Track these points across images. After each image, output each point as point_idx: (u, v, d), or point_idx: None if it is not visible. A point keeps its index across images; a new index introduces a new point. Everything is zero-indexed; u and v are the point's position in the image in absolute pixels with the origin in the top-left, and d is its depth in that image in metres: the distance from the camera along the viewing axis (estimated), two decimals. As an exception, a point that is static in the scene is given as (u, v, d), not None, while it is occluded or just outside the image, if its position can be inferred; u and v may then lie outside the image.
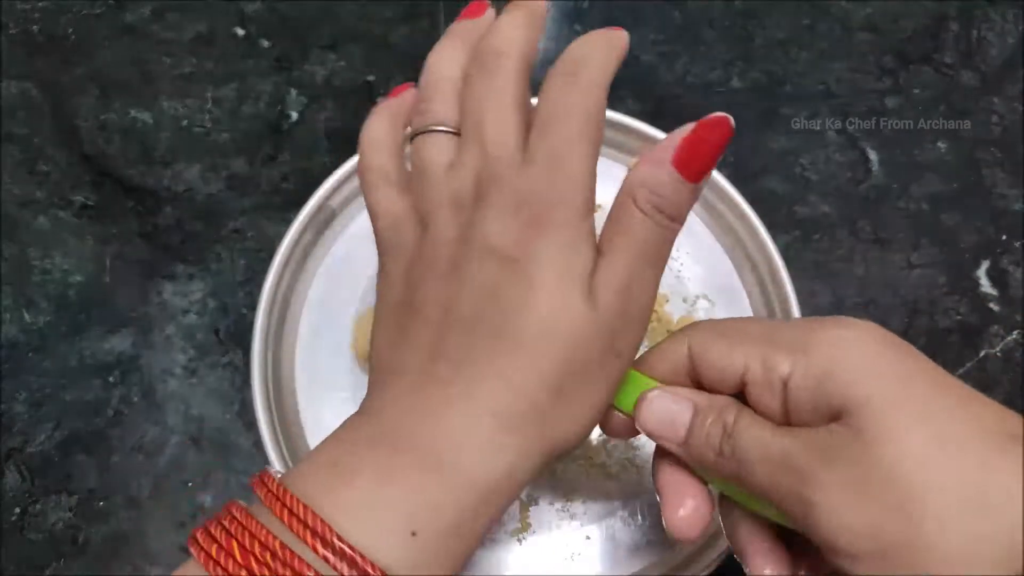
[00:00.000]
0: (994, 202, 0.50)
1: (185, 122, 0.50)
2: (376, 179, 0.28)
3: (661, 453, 0.28)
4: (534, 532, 0.40)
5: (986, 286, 0.48)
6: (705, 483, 0.27)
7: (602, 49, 0.26)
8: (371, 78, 0.52)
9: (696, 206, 0.46)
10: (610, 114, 0.45)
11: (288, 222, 0.43)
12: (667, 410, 0.27)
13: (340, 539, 0.21)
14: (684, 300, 0.44)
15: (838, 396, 0.23)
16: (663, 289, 0.44)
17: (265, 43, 0.53)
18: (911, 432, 0.22)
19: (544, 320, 0.24)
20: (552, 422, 0.25)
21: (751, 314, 0.44)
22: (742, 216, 0.44)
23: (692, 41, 0.54)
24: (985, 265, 0.48)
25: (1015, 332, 0.47)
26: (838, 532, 0.22)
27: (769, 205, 0.49)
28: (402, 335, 0.26)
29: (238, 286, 0.46)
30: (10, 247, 0.46)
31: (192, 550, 0.23)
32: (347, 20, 0.53)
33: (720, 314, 0.44)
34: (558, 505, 0.40)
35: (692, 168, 0.24)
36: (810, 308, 0.46)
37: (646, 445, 0.41)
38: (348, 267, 0.45)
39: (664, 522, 0.27)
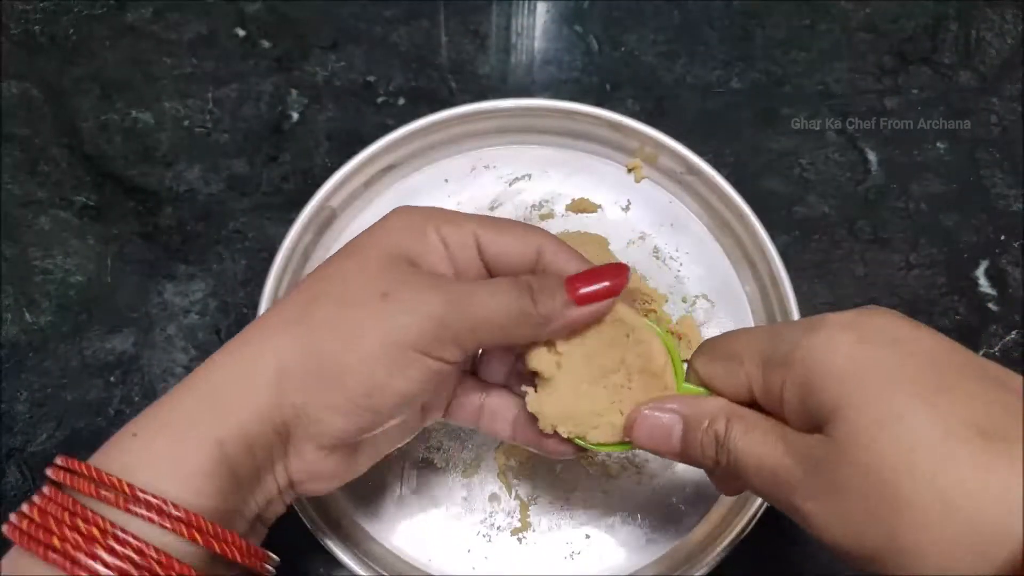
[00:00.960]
0: (993, 202, 0.50)
1: (186, 122, 0.50)
2: None
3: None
4: (534, 531, 0.40)
5: (985, 286, 0.48)
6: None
7: None
8: (371, 78, 0.52)
9: (695, 206, 0.46)
10: (607, 114, 0.45)
11: (289, 222, 0.43)
12: (656, 425, 0.28)
13: (141, 491, 0.23)
14: (683, 300, 0.45)
15: (816, 407, 0.23)
16: (662, 289, 0.44)
17: (266, 43, 0.53)
18: (881, 439, 0.22)
19: None
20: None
21: (750, 313, 0.45)
22: (741, 216, 0.44)
23: (692, 41, 0.54)
24: (984, 265, 0.48)
25: (1014, 332, 0.47)
26: (829, 538, 0.23)
27: (769, 205, 0.49)
28: None
29: (239, 286, 0.46)
30: (11, 247, 0.47)
31: (8, 533, 0.24)
32: (347, 20, 0.53)
33: (720, 314, 0.44)
34: (558, 504, 0.40)
35: (576, 288, 0.27)
36: (810, 308, 0.46)
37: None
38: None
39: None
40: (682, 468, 0.41)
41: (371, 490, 0.40)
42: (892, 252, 0.48)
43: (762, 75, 0.53)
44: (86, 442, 0.43)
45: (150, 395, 0.43)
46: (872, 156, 0.51)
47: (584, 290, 0.27)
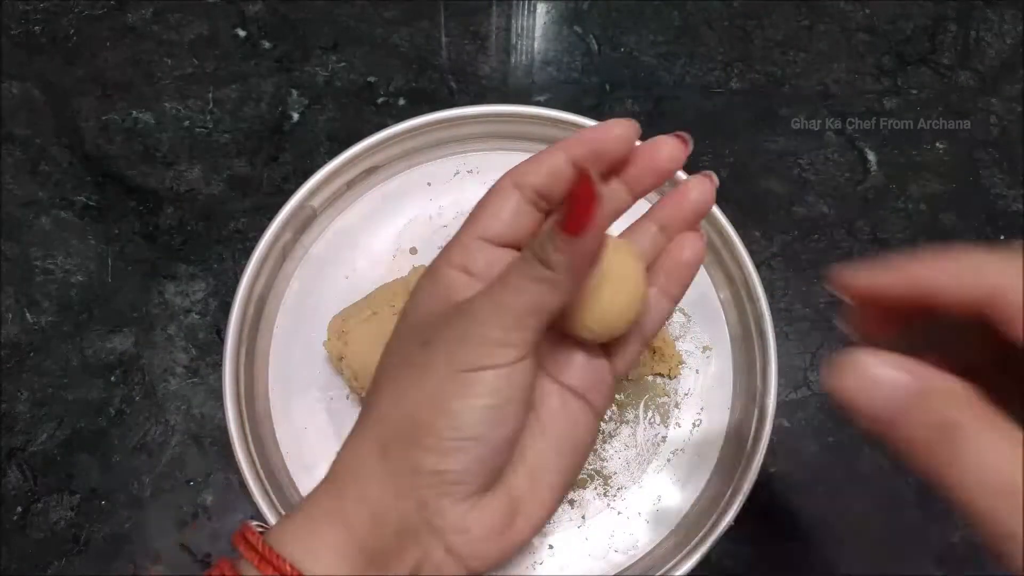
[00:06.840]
0: (992, 202, 0.50)
1: (187, 123, 0.50)
2: None
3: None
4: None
5: (984, 286, 0.48)
6: None
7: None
8: (372, 79, 0.52)
9: None
10: (592, 123, 0.45)
11: (289, 222, 0.43)
12: (876, 382, 0.21)
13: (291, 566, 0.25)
14: None
15: None
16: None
17: (266, 44, 0.53)
18: None
19: None
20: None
21: (726, 327, 0.44)
22: (721, 231, 0.44)
23: (691, 42, 0.54)
24: (983, 265, 0.48)
25: (1013, 332, 0.47)
26: None
27: (768, 205, 0.49)
28: None
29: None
30: (12, 247, 0.47)
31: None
32: (348, 21, 0.53)
33: (695, 328, 0.44)
34: None
35: (565, 219, 0.24)
36: (809, 309, 0.46)
37: (611, 459, 0.42)
38: (326, 267, 0.45)
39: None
40: (649, 482, 0.41)
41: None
42: (891, 252, 0.48)
43: (761, 76, 0.53)
44: (87, 442, 0.43)
45: (151, 395, 0.44)
46: (871, 156, 0.51)
47: (571, 217, 0.24)
